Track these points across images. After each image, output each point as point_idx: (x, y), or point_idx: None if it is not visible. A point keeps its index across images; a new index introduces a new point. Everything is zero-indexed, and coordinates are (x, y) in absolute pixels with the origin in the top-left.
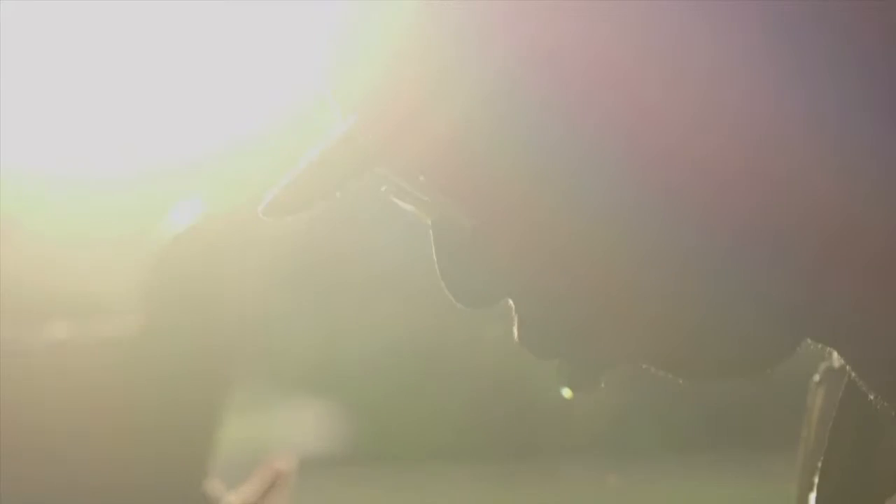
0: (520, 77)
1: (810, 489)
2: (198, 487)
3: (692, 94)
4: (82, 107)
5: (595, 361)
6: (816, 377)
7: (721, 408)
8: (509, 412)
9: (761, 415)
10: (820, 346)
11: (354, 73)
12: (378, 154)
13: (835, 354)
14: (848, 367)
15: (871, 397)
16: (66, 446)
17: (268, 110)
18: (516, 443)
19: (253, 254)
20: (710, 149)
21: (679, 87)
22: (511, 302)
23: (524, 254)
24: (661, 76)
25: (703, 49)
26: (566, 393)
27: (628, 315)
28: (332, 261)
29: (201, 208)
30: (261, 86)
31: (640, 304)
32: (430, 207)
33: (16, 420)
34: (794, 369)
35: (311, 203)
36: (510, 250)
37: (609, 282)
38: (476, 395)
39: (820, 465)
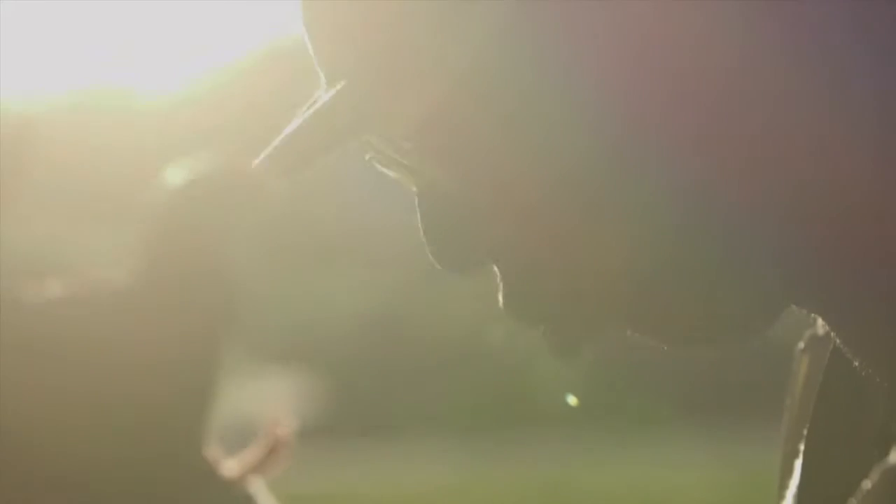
0: (513, 40)
1: (795, 456)
2: (198, 450)
3: (692, 68)
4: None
5: (580, 328)
6: (801, 345)
7: (705, 378)
8: (491, 382)
9: (745, 384)
10: (804, 312)
11: (344, 39)
12: (368, 119)
13: (819, 321)
14: (833, 334)
15: (856, 364)
16: (62, 406)
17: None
18: (497, 413)
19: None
20: (705, 119)
21: (683, 61)
22: (496, 268)
23: (512, 219)
24: (659, 49)
25: (709, 28)
26: (571, 400)
27: (615, 281)
28: (310, 229)
29: (203, 163)
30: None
31: (627, 271)
32: (415, 175)
33: (11, 380)
34: (779, 337)
35: (298, 169)
36: (497, 215)
37: (597, 248)
38: (458, 366)
39: (805, 432)
